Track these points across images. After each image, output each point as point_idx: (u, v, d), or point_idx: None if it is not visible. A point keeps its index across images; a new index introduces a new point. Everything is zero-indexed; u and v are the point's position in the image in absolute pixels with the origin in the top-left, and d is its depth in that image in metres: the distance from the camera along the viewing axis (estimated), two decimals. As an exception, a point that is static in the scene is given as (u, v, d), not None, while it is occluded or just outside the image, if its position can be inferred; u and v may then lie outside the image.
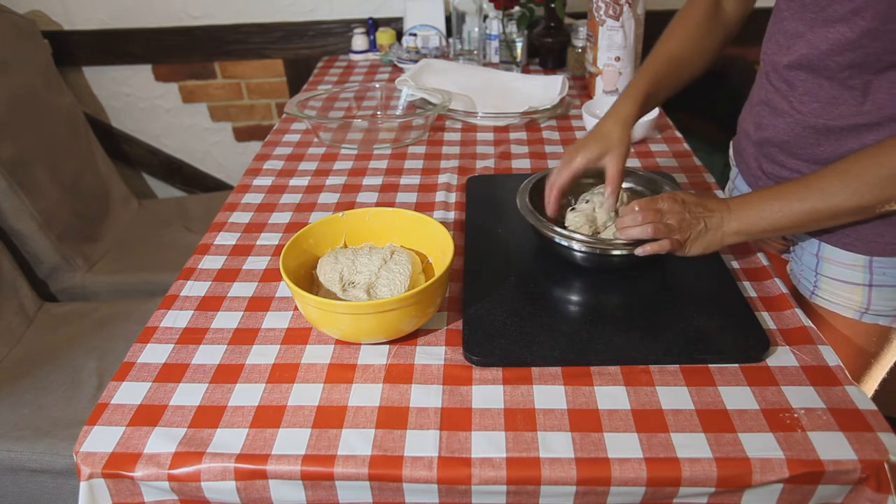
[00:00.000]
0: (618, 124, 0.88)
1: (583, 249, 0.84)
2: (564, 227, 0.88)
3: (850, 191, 0.74)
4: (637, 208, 0.80)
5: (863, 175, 0.74)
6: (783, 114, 0.88)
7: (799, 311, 0.83)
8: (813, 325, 0.80)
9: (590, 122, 1.32)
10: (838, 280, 0.88)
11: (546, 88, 1.52)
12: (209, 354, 0.80)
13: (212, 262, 0.97)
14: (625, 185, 1.01)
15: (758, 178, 0.97)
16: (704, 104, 1.78)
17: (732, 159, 1.08)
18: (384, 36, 1.87)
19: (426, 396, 0.73)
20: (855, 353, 0.91)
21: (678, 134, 1.37)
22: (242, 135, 2.19)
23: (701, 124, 1.72)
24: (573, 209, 0.93)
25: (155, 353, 0.80)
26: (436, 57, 1.76)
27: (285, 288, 0.90)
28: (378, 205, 1.11)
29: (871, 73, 0.77)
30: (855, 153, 0.76)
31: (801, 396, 0.70)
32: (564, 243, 0.85)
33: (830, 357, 0.75)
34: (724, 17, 0.98)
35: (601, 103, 1.40)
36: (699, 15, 0.97)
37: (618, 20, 1.42)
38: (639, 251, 0.81)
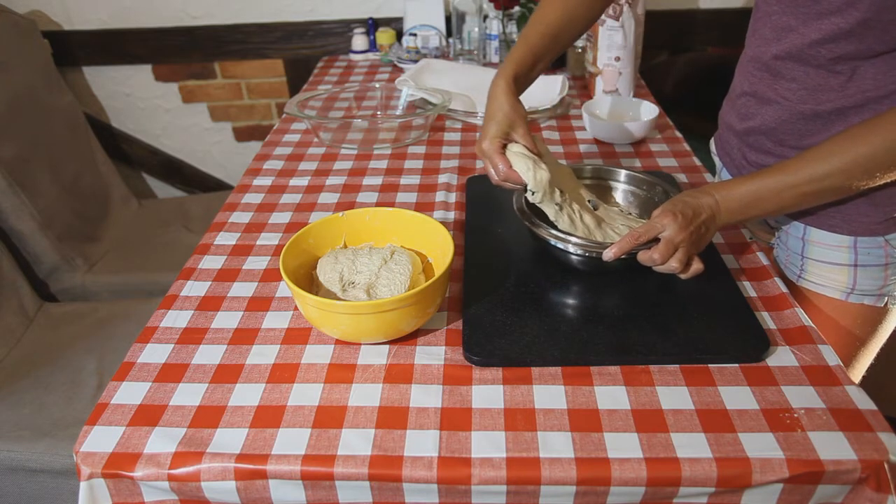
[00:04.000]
0: (506, 98, 0.85)
1: (578, 252, 0.84)
2: (560, 230, 0.87)
3: (837, 173, 0.75)
4: (656, 257, 0.78)
5: (847, 154, 0.74)
6: (770, 102, 0.88)
7: (799, 311, 0.83)
8: (814, 326, 0.80)
9: (590, 122, 1.32)
10: (824, 262, 0.90)
11: (546, 88, 1.51)
12: (209, 354, 0.80)
13: (212, 262, 0.97)
14: (623, 187, 1.01)
15: (742, 167, 0.98)
16: (705, 104, 1.78)
17: (715, 154, 1.09)
18: (384, 36, 1.87)
19: (426, 396, 0.73)
20: (842, 335, 0.93)
21: (678, 134, 1.37)
22: (242, 135, 2.19)
23: (701, 124, 1.71)
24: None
25: (155, 353, 0.80)
26: (436, 57, 1.76)
27: (285, 288, 0.90)
28: (378, 205, 1.11)
29: (860, 59, 0.78)
30: (839, 133, 0.76)
31: (801, 396, 0.70)
32: (560, 245, 0.85)
33: (830, 357, 0.75)
34: None
35: (601, 103, 1.40)
36: None
37: (618, 20, 1.42)
38: (642, 259, 0.80)
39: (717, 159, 1.09)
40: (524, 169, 0.83)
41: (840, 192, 0.80)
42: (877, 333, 0.95)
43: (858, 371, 0.98)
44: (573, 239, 0.85)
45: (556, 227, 0.87)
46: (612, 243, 0.81)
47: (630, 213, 0.99)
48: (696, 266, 0.81)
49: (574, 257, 0.85)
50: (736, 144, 0.98)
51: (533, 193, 0.84)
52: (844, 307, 0.91)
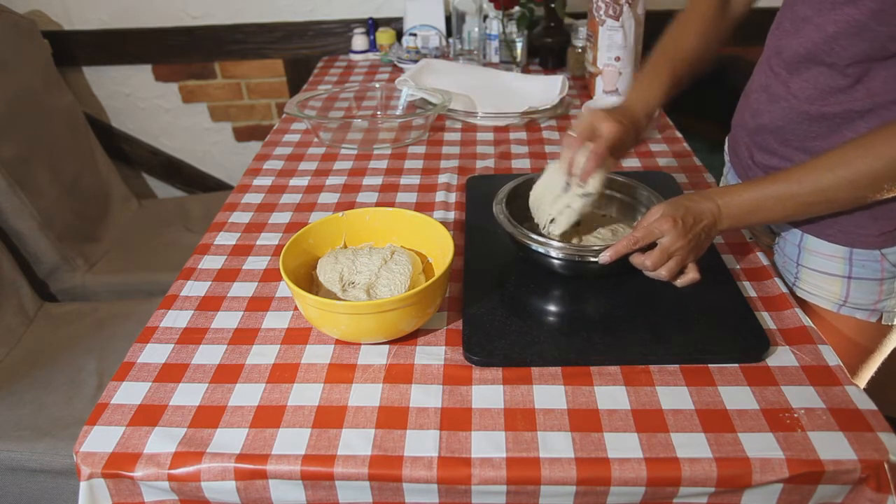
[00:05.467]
0: (645, 107, 0.90)
1: (560, 256, 0.83)
2: (542, 234, 0.85)
3: (845, 184, 0.74)
4: (648, 263, 0.78)
5: (855, 166, 0.73)
6: (780, 99, 0.88)
7: (799, 311, 0.83)
8: (814, 325, 0.80)
9: (590, 122, 1.32)
10: (819, 271, 0.90)
11: (546, 88, 1.51)
12: (209, 354, 0.80)
13: (212, 262, 0.97)
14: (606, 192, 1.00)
15: (748, 168, 0.97)
16: (704, 104, 1.78)
17: (727, 154, 1.09)
18: (384, 36, 1.87)
19: (426, 396, 0.73)
20: (833, 346, 0.91)
21: (678, 134, 1.37)
22: (242, 135, 2.19)
23: (701, 124, 1.72)
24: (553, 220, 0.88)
25: (155, 353, 0.80)
26: (436, 57, 1.76)
27: (285, 288, 0.90)
28: (378, 205, 1.11)
29: (872, 61, 0.77)
30: (847, 143, 0.75)
31: (801, 396, 0.70)
32: (541, 250, 0.84)
33: (830, 357, 0.75)
34: (730, 11, 0.97)
35: (601, 103, 1.40)
36: (708, 10, 0.95)
37: (618, 20, 1.42)
38: (635, 262, 0.80)
39: (727, 160, 1.09)
40: (599, 173, 0.84)
41: (846, 204, 0.78)
42: (867, 349, 0.93)
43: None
44: (553, 243, 0.83)
45: (541, 234, 0.86)
46: (594, 247, 0.81)
47: (604, 214, 0.98)
48: (692, 276, 0.80)
49: (571, 262, 0.84)
50: (744, 143, 0.97)
51: (585, 194, 0.84)
52: (835, 319, 0.90)
